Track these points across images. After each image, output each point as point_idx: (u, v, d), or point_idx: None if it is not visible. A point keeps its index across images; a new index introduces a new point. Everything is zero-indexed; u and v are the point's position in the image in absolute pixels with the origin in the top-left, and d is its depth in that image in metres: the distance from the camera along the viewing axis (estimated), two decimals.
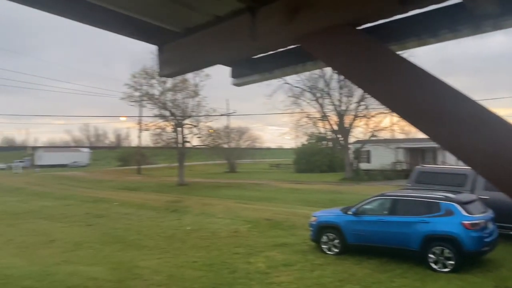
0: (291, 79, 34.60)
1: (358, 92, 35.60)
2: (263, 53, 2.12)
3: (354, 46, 1.54)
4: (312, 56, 1.95)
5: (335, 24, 1.54)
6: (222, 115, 36.39)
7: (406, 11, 1.64)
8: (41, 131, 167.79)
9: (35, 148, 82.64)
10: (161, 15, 2.06)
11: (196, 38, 2.12)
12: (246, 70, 2.46)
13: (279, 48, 1.98)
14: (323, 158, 43.82)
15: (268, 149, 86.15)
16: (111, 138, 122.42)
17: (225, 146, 47.96)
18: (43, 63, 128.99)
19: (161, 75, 2.54)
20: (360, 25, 1.63)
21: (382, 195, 10.54)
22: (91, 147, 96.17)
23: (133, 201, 21.91)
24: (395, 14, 1.68)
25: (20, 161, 62.75)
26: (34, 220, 16.64)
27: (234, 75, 2.57)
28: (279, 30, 1.70)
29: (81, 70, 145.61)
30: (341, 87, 35.54)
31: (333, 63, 1.71)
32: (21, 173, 49.77)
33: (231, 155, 51.00)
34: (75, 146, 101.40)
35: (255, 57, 2.33)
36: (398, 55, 1.56)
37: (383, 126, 36.36)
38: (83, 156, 77.39)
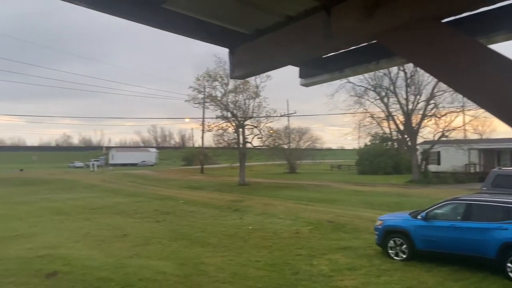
0: (354, 78, 33.69)
1: (427, 90, 33.83)
2: (337, 51, 2.07)
3: (439, 40, 1.44)
4: (391, 52, 1.87)
5: (418, 18, 1.46)
6: (282, 115, 36.47)
7: (494, 3, 1.50)
8: (114, 132, 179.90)
9: (108, 148, 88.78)
10: (232, 18, 2.10)
11: (267, 39, 2.14)
12: (315, 70, 2.42)
13: (354, 46, 1.92)
14: (388, 159, 42.14)
15: (329, 149, 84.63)
16: (176, 139, 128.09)
17: (285, 146, 47.94)
18: (115, 69, 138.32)
19: (232, 77, 2.60)
20: (444, 18, 1.53)
21: (455, 199, 9.88)
22: (158, 147, 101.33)
23: (197, 200, 22.67)
24: (482, 6, 1.55)
25: (96, 160, 67.70)
26: (108, 215, 17.87)
27: (302, 75, 2.54)
28: (356, 27, 1.65)
29: (149, 74, 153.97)
30: (408, 85, 33.92)
31: (416, 59, 1.62)
32: (96, 171, 53.71)
33: (291, 156, 50.83)
34: (144, 146, 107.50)
35: (325, 56, 2.28)
36: (488, 48, 1.44)
37: (454, 126, 34.10)
38: (151, 155, 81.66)
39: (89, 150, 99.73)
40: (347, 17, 1.68)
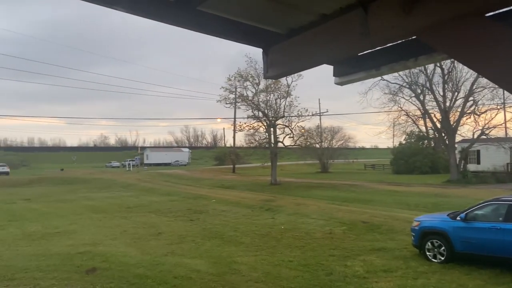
0: (388, 75, 32.88)
1: (465, 86, 32.56)
2: (373, 49, 2.02)
3: (484, 35, 1.37)
4: (430, 49, 1.80)
5: (460, 13, 1.39)
6: (314, 114, 36.18)
7: None
8: (148, 133, 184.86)
9: (143, 148, 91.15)
10: (266, 18, 2.09)
11: (301, 38, 2.11)
12: (351, 68, 2.37)
13: (392, 43, 1.86)
14: (424, 158, 40.86)
15: (362, 148, 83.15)
16: (208, 139, 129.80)
17: (317, 146, 47.49)
18: (150, 71, 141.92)
19: (266, 77, 2.59)
20: (487, 12, 1.45)
21: (496, 199, 9.44)
22: (190, 147, 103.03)
23: (229, 199, 22.87)
24: None
25: (131, 160, 69.67)
26: (144, 214, 18.35)
27: (337, 73, 2.50)
28: (395, 24, 1.60)
29: (182, 75, 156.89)
30: (445, 82, 32.76)
31: (458, 54, 1.55)
32: (132, 171, 55.29)
33: (323, 155, 50.28)
34: (177, 146, 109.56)
35: (361, 54, 2.23)
36: None
37: (495, 123, 32.60)
38: (184, 155, 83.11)
39: (125, 150, 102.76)
40: (385, 14, 1.63)
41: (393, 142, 51.63)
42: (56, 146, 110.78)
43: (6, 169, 53.87)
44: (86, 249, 10.99)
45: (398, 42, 1.93)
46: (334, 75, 2.49)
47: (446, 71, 32.53)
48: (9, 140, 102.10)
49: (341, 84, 2.52)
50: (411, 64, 2.16)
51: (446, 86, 33.09)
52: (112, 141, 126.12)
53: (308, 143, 36.80)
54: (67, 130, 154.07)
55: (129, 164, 65.26)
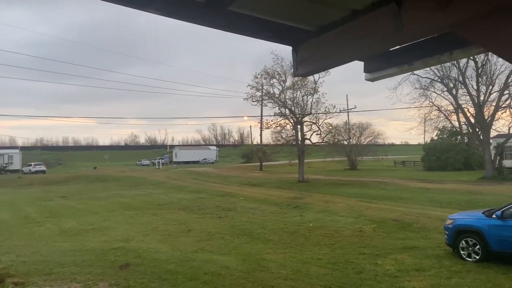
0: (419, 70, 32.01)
1: (500, 79, 31.28)
2: (407, 43, 1.97)
3: None
4: (466, 42, 1.75)
5: (499, 6, 1.34)
6: (342, 111, 35.55)
7: None
8: (176, 131, 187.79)
9: (172, 146, 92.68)
10: (296, 16, 2.09)
11: (331, 35, 2.10)
12: (382, 63, 2.33)
13: (427, 37, 1.82)
14: (457, 154, 39.52)
15: (392, 145, 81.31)
16: (235, 137, 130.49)
17: (345, 143, 46.84)
18: (178, 70, 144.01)
19: (296, 75, 2.58)
20: None
21: None
22: (218, 145, 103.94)
23: (256, 196, 22.94)
24: None
25: (161, 158, 71.02)
26: (174, 211, 18.70)
27: (368, 69, 2.46)
28: (430, 18, 1.56)
29: (209, 74, 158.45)
30: (479, 75, 31.55)
31: (496, 48, 1.49)
32: (161, 169, 56.35)
33: (352, 152, 49.54)
34: (205, 144, 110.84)
35: (393, 49, 2.19)
36: None
37: None
38: (211, 153, 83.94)
39: (154, 148, 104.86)
40: (420, 8, 1.59)
41: (424, 138, 50.38)
42: (89, 145, 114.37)
43: (43, 167, 56.08)
44: (120, 245, 11.32)
45: (432, 36, 1.89)
46: (365, 71, 2.45)
47: (479, 64, 31.34)
48: (45, 140, 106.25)
49: (372, 80, 2.49)
50: (446, 58, 2.10)
51: (480, 79, 31.86)
52: (142, 140, 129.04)
53: (336, 140, 36.33)
54: (99, 130, 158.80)
55: (158, 162, 66.55)
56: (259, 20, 2.08)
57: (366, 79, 2.49)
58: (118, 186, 34.12)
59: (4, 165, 59.22)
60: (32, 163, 56.83)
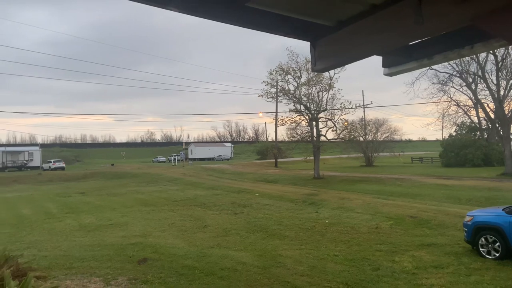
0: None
1: None
2: (427, 37, 1.95)
3: None
4: (488, 35, 1.72)
5: None
6: (358, 107, 35.11)
7: None
8: (192, 128, 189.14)
9: (187, 143, 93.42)
10: (314, 11, 2.08)
11: (350, 30, 2.08)
12: (401, 58, 2.31)
13: (447, 31, 1.79)
14: (476, 150, 38.72)
15: (409, 141, 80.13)
16: (250, 133, 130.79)
17: (361, 139, 46.36)
18: (194, 68, 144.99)
19: (314, 71, 2.58)
20: None
21: None
22: (233, 142, 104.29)
23: (271, 193, 22.95)
24: None
25: (177, 155, 71.65)
26: (190, 207, 18.88)
27: (387, 64, 2.44)
28: (451, 11, 1.54)
29: (225, 71, 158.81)
30: (499, 69, 30.81)
31: None
32: (177, 166, 56.87)
33: (368, 149, 49.03)
34: (220, 141, 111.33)
35: (412, 43, 2.17)
36: None
37: None
38: (226, 150, 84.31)
39: (170, 145, 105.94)
40: (440, 1, 1.57)
41: (442, 134, 49.55)
42: (106, 142, 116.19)
43: (62, 164, 57.29)
44: (137, 241, 11.50)
45: (453, 30, 1.86)
46: (384, 66, 2.43)
47: (499, 58, 30.59)
48: (64, 137, 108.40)
49: (390, 75, 2.46)
50: (467, 52, 2.07)
51: (500, 73, 31.10)
52: (158, 137, 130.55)
53: (352, 136, 36.00)
54: (116, 127, 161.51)
55: (174, 159, 67.19)
56: (277, 16, 2.08)
57: (384, 74, 2.46)
58: (135, 183, 34.58)
59: (25, 162, 60.73)
60: (52, 160, 58.11)
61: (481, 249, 9.15)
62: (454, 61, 31.07)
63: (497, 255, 8.82)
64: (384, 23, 1.86)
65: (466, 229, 9.64)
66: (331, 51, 2.28)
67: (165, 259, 9.31)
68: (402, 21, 1.74)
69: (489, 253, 8.99)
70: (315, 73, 30.91)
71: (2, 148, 63.87)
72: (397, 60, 2.34)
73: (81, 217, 16.63)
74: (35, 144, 79.11)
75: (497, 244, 8.86)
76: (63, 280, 7.69)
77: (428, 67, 30.87)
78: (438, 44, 2.11)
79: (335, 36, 2.21)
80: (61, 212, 18.45)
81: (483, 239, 9.14)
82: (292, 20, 2.14)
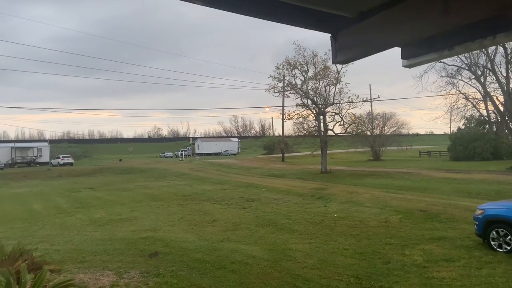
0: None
1: None
2: (453, 28, 1.93)
3: None
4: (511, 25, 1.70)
5: None
6: (365, 100, 34.94)
7: None
8: (198, 123, 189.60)
9: (194, 138, 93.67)
10: (336, 2, 2.07)
11: (372, 21, 2.08)
12: (421, 49, 2.29)
13: (475, 20, 1.77)
14: (485, 144, 38.37)
15: (417, 135, 79.68)
16: (256, 128, 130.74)
17: (369, 133, 46.15)
18: (200, 63, 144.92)
19: (335, 62, 2.58)
20: None
21: None
22: (239, 137, 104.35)
23: (279, 187, 22.98)
24: None
25: (184, 150, 71.91)
26: (198, 202, 18.97)
27: (406, 56, 2.43)
28: (479, 0, 1.53)
29: (231, 66, 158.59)
30: (508, 62, 30.47)
31: None
32: (184, 161, 57.12)
33: (375, 143, 48.81)
34: (226, 136, 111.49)
35: (432, 34, 2.14)
36: None
37: None
38: (233, 145, 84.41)
39: (177, 140, 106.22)
40: None
41: (450, 127, 49.16)
42: (113, 138, 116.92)
43: (71, 160, 57.81)
44: (148, 235, 11.60)
45: (479, 19, 1.84)
46: (402, 57, 2.42)
47: (509, 51, 30.25)
48: (72, 133, 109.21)
49: (409, 66, 2.45)
50: (489, 43, 2.05)
51: (509, 66, 30.79)
52: (164, 132, 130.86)
53: (359, 130, 35.83)
54: (123, 123, 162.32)
55: (181, 154, 67.43)
56: (298, 8, 2.08)
57: (403, 66, 2.46)
58: (143, 178, 34.80)
59: (34, 157, 61.36)
60: (60, 156, 58.64)
61: (492, 243, 9.10)
62: (463, 54, 30.78)
63: (509, 248, 8.76)
64: (408, 14, 1.85)
65: (477, 223, 9.59)
66: (352, 43, 2.28)
67: (176, 253, 9.38)
68: (428, 11, 1.73)
69: (500, 246, 8.94)
70: (321, 67, 30.77)
71: (12, 144, 64.58)
72: (417, 51, 2.33)
73: (91, 212, 16.80)
74: (44, 140, 79.91)
75: (509, 237, 8.81)
76: (76, 273, 7.79)
77: (436, 61, 30.62)
78: (460, 34, 2.10)
79: (356, 28, 2.20)
80: (72, 207, 18.65)
81: (494, 232, 9.09)
82: (313, 12, 2.14)
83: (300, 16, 2.19)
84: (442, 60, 31.34)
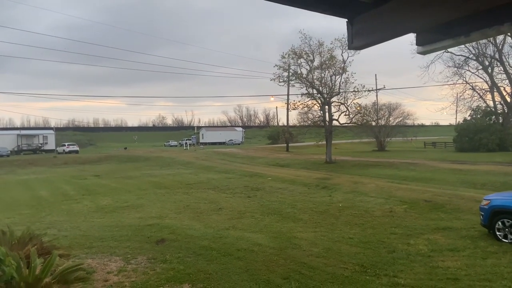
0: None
1: None
2: (473, 12, 1.90)
3: None
4: None
5: None
6: (371, 90, 34.65)
7: None
8: (203, 112, 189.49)
9: (199, 127, 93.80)
10: None
11: (389, 6, 2.05)
12: (437, 35, 2.27)
13: (493, 5, 1.74)
14: (491, 135, 38.16)
15: (422, 126, 79.27)
16: (260, 118, 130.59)
17: (374, 123, 45.96)
18: (206, 52, 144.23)
19: (351, 48, 2.57)
20: None
21: None
22: (243, 126, 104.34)
23: (284, 177, 23.03)
24: None
25: (188, 139, 72.10)
26: (203, 190, 19.08)
27: (421, 42, 2.41)
28: None
29: (236, 55, 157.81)
30: None
31: None
32: (189, 150, 57.27)
33: (380, 133, 48.64)
34: (231, 125, 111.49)
35: (448, 20, 2.12)
36: None
37: None
38: (237, 134, 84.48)
39: (182, 129, 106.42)
40: None
41: (456, 118, 48.86)
42: (118, 126, 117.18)
43: (76, 147, 58.11)
44: (154, 222, 11.72)
45: (497, 5, 1.81)
46: (417, 44, 2.40)
47: None
48: (77, 121, 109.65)
49: (424, 53, 2.44)
50: (506, 29, 2.02)
51: None
52: (169, 121, 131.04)
53: (365, 120, 35.68)
54: (128, 111, 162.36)
55: (186, 143, 67.59)
56: None
57: (418, 52, 2.44)
58: (148, 166, 34.98)
59: (40, 145, 61.77)
60: (66, 144, 58.93)
61: (497, 233, 9.12)
62: (470, 44, 30.42)
63: None
64: None
65: (482, 213, 9.59)
66: (369, 29, 2.26)
67: (182, 240, 9.48)
68: None
69: (505, 237, 8.96)
70: (327, 56, 30.52)
71: (17, 132, 64.98)
72: (433, 38, 2.30)
73: (98, 199, 16.95)
74: (50, 128, 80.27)
75: None
76: (84, 258, 7.91)
77: (443, 51, 30.30)
78: (476, 20, 2.07)
79: (373, 13, 2.18)
80: (78, 194, 18.82)
81: (500, 223, 9.10)
82: None
83: (317, 1, 2.17)
84: (449, 50, 31.07)
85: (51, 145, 62.29)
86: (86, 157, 46.94)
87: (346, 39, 2.57)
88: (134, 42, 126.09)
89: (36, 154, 57.55)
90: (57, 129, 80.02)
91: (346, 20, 2.41)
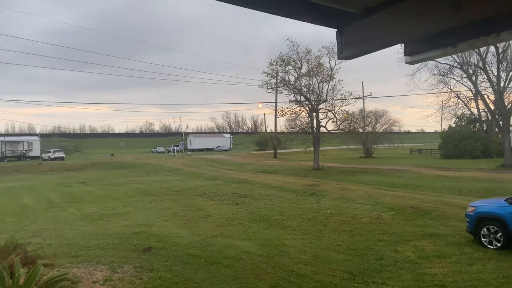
0: None
1: None
2: (461, 24, 1.93)
3: None
4: None
5: None
6: (358, 98, 34.90)
7: None
8: (191, 119, 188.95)
9: (187, 134, 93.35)
10: None
11: (378, 17, 2.08)
12: (424, 46, 2.30)
13: (484, 17, 1.77)
14: (475, 142, 38.85)
15: (408, 133, 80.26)
16: (248, 124, 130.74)
17: (361, 130, 46.38)
18: (192, 58, 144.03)
19: (340, 58, 2.59)
20: None
21: None
22: (231, 133, 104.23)
23: (272, 184, 23.02)
24: None
25: (176, 146, 71.67)
26: (191, 197, 18.93)
27: (408, 52, 2.44)
28: None
29: (224, 61, 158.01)
30: (499, 61, 30.77)
31: None
32: (177, 156, 56.90)
33: (367, 140, 49.11)
34: (219, 132, 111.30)
35: (439, 31, 2.15)
36: None
37: None
38: (225, 141, 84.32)
39: (169, 136, 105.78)
40: None
41: (441, 125, 49.57)
42: (105, 132, 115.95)
43: (62, 154, 57.21)
44: (141, 230, 11.56)
45: (488, 16, 1.84)
46: (405, 54, 2.42)
47: (500, 50, 30.54)
48: (63, 127, 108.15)
49: (412, 63, 2.47)
50: (492, 40, 2.06)
51: (500, 65, 31.07)
52: (157, 127, 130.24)
53: (352, 127, 35.99)
54: (115, 117, 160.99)
55: (173, 150, 67.16)
56: (304, 2, 2.07)
57: (406, 62, 2.47)
58: (136, 173, 34.62)
59: (24, 151, 60.62)
60: (51, 150, 57.99)
61: (483, 239, 9.24)
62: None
63: (499, 245, 8.91)
64: (417, 10, 1.84)
65: (468, 220, 9.72)
66: (358, 39, 2.28)
67: (170, 248, 9.37)
68: (439, 7, 1.73)
69: (491, 243, 9.08)
70: (314, 63, 30.77)
71: (2, 138, 63.67)
72: (421, 48, 2.33)
73: (84, 207, 16.67)
74: (35, 134, 78.99)
75: (499, 234, 8.95)
76: (69, 268, 7.75)
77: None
78: (463, 31, 2.10)
79: (363, 23, 2.20)
80: (63, 202, 18.49)
81: (485, 229, 9.23)
82: (319, 7, 2.13)
83: (306, 10, 2.18)
84: (435, 59, 31.56)
85: (36, 151, 61.18)
86: (72, 164, 46.25)
87: (334, 47, 2.59)
88: (121, 48, 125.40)
89: (21, 161, 56.47)
90: (43, 136, 78.77)
91: (336, 30, 2.43)
